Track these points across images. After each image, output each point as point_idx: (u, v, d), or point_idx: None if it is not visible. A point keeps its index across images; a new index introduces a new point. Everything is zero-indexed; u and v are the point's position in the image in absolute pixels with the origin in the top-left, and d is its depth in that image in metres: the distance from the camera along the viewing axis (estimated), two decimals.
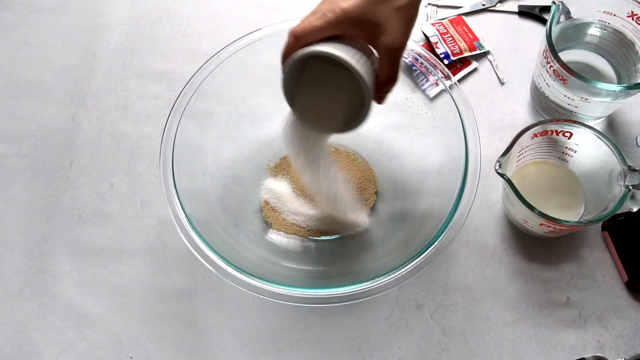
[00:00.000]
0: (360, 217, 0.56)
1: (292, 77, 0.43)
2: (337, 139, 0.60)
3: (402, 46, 0.41)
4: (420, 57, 0.54)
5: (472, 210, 0.47)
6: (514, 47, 0.67)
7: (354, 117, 0.45)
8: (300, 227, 0.56)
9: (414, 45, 0.55)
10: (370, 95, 0.42)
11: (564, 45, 0.59)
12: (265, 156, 0.60)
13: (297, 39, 0.40)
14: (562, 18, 0.55)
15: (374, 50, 0.42)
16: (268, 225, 0.57)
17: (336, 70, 0.42)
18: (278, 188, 0.58)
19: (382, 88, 0.43)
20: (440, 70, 0.53)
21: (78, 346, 0.54)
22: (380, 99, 0.43)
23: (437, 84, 0.55)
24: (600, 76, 0.59)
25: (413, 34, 0.67)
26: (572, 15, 0.56)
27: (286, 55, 0.41)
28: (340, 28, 0.40)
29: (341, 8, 0.39)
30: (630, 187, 0.47)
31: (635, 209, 0.48)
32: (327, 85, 0.44)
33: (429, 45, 0.67)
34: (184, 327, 0.54)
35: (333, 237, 0.56)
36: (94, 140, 0.64)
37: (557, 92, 0.56)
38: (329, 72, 0.43)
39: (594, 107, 0.56)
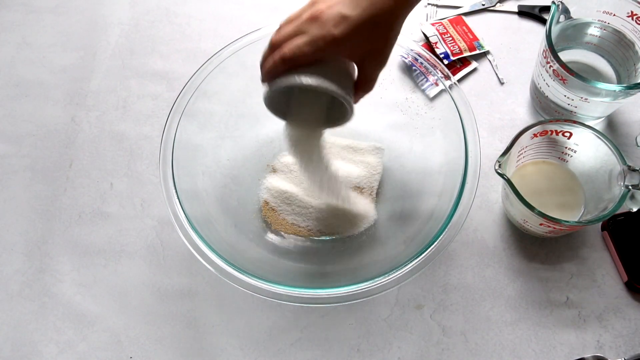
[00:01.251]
0: (368, 209, 0.56)
1: (277, 95, 0.44)
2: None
3: (382, 66, 0.43)
4: (420, 57, 0.54)
5: (472, 210, 0.47)
6: (514, 47, 0.67)
7: (338, 117, 0.47)
8: (300, 227, 0.56)
9: (413, 45, 0.55)
10: (352, 107, 0.44)
11: (563, 45, 0.59)
12: (265, 156, 0.60)
13: (284, 62, 0.40)
14: (562, 18, 0.55)
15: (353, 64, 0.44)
16: (268, 225, 0.57)
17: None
18: (280, 185, 0.58)
19: (358, 95, 0.45)
20: (440, 70, 0.53)
21: (78, 346, 0.54)
22: (355, 101, 0.45)
23: (436, 84, 0.55)
24: (600, 76, 0.59)
25: (413, 34, 0.68)
26: (572, 15, 0.56)
27: (270, 73, 0.42)
28: (327, 53, 0.40)
29: (333, 36, 0.39)
30: (630, 187, 0.47)
31: (635, 209, 0.48)
32: (310, 95, 0.46)
33: (429, 45, 0.67)
34: (183, 327, 0.54)
35: (333, 237, 0.56)
36: (94, 140, 0.64)
37: (557, 92, 0.56)
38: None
39: (594, 107, 0.56)
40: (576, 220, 0.54)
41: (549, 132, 0.52)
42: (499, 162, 0.48)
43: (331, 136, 0.60)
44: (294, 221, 0.56)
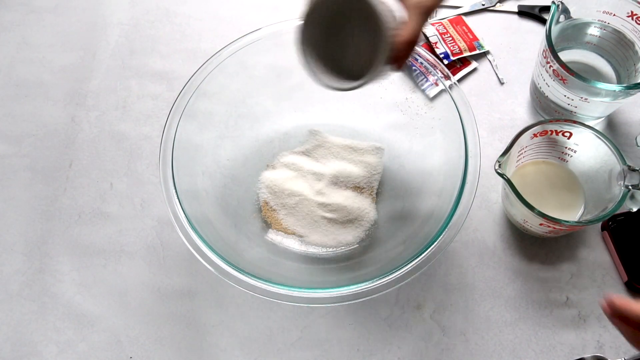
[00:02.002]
0: (368, 209, 0.56)
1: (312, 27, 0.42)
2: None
3: (434, 5, 0.40)
4: (420, 57, 0.54)
5: (472, 210, 0.47)
6: (514, 47, 0.67)
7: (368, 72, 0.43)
8: (299, 227, 0.56)
9: None
10: (387, 44, 0.40)
11: (563, 45, 0.59)
12: (265, 156, 0.60)
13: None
14: (562, 18, 0.55)
15: (404, 9, 0.41)
16: (268, 225, 0.57)
17: (354, 21, 0.42)
18: (279, 182, 0.57)
19: (400, 49, 0.41)
20: (439, 70, 0.53)
21: (77, 346, 0.54)
22: (399, 61, 0.41)
23: (436, 84, 0.55)
24: (599, 76, 0.59)
25: None
26: (572, 15, 0.56)
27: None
28: None
29: None
30: (630, 187, 0.47)
31: (634, 209, 0.48)
32: (345, 36, 0.43)
33: (429, 45, 0.67)
34: (183, 327, 0.54)
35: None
36: (94, 140, 0.64)
37: (557, 92, 0.56)
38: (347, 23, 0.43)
39: (594, 107, 0.56)
40: (576, 220, 0.54)
41: (549, 132, 0.52)
42: (499, 162, 0.48)
43: (331, 136, 0.60)
44: (294, 222, 0.56)
